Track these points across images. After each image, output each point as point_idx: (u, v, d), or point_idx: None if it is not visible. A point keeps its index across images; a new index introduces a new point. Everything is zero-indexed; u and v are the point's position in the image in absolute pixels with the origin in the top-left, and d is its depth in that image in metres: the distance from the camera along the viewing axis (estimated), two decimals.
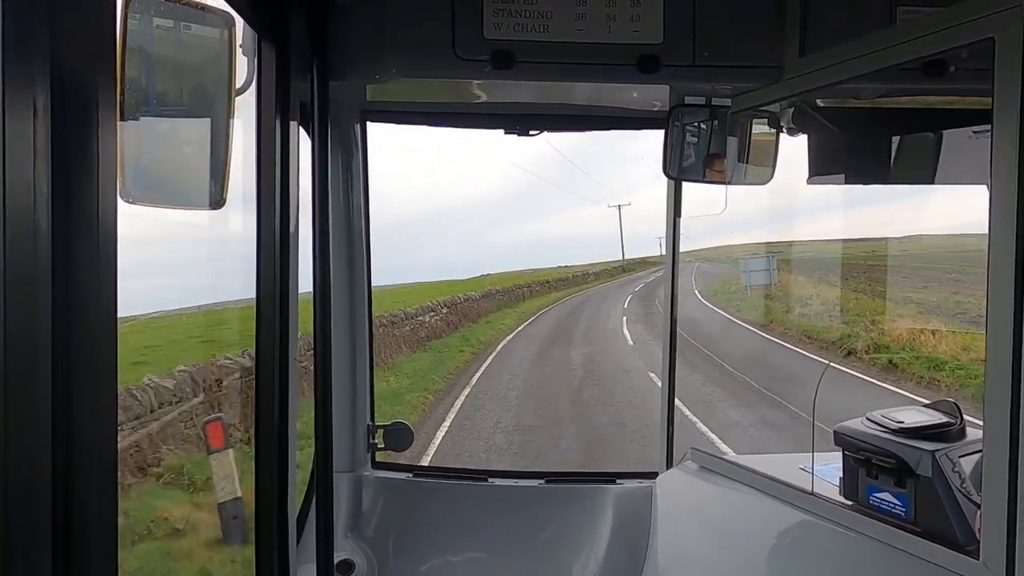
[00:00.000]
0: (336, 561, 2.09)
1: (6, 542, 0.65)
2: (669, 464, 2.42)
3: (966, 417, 1.73)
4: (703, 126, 2.09)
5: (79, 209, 0.72)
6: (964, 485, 1.60)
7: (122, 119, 1.00)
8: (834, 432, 1.83)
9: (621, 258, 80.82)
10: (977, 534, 1.45)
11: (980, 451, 1.48)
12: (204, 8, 1.25)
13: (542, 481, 2.39)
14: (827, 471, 1.90)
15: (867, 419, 1.81)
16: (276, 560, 1.54)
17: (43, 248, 0.68)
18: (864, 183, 2.28)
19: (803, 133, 2.14)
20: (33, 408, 0.68)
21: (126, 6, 1.09)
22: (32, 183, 0.66)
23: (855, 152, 2.19)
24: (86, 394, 0.74)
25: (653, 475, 2.39)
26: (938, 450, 1.63)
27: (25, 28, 0.65)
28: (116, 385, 0.79)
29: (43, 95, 0.67)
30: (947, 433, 1.70)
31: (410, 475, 2.43)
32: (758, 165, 2.16)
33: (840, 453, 1.83)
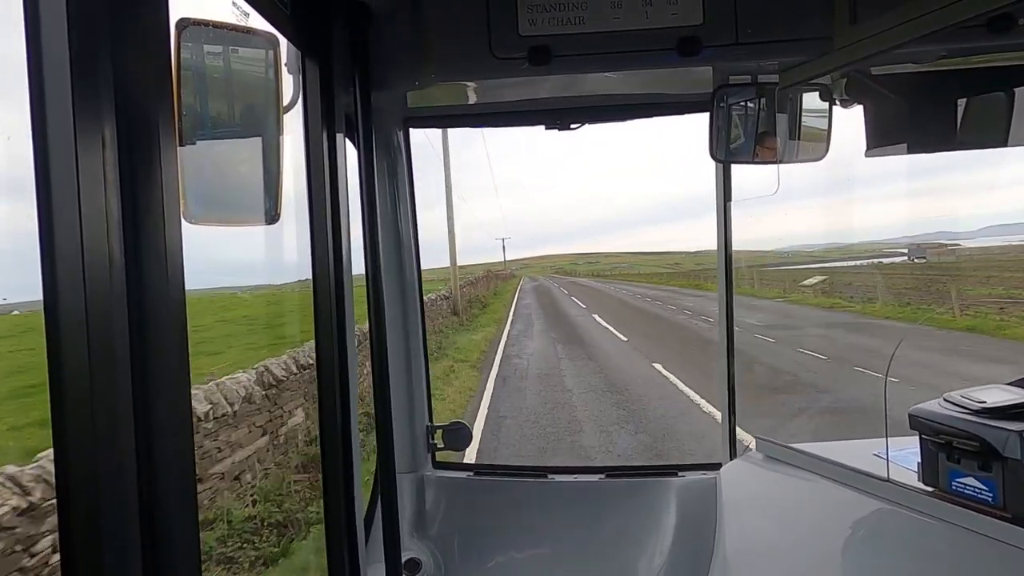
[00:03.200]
0: (403, 560, 2.13)
1: (99, 531, 0.71)
2: (732, 455, 2.36)
3: None
4: (750, 105, 2.02)
5: (148, 232, 0.76)
6: None
7: (181, 144, 1.05)
8: (909, 415, 1.74)
9: (450, 266, 28.85)
10: None
11: None
12: (250, 31, 1.30)
13: (602, 476, 2.37)
14: (903, 457, 1.81)
15: (945, 400, 1.71)
16: (347, 561, 1.58)
17: (118, 271, 0.72)
18: (929, 151, 2.15)
19: (858, 104, 2.03)
20: (116, 420, 0.72)
21: (179, 36, 1.14)
22: (104, 211, 0.71)
23: (917, 119, 2.06)
24: (164, 406, 0.78)
25: (717, 466, 2.34)
26: None
27: (90, 68, 0.69)
28: (190, 396, 0.84)
29: (109, 128, 0.72)
30: None
31: (471, 474, 2.46)
32: (811, 140, 2.07)
33: (916, 438, 1.74)
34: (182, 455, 0.81)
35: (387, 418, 1.75)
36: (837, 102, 2.02)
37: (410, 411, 2.40)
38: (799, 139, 2.05)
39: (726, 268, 2.37)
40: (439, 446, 2.47)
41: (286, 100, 1.46)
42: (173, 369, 0.80)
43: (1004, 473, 1.54)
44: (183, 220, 0.85)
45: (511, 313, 32.11)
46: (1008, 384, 1.72)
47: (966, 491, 1.61)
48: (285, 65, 1.46)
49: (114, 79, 0.72)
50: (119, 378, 0.73)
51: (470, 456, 8.31)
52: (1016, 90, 1.90)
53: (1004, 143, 1.94)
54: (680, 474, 2.33)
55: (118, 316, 0.73)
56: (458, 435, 2.47)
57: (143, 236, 0.76)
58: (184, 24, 1.16)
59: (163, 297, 0.78)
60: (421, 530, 2.36)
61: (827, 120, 2.04)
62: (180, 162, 0.84)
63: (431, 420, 2.48)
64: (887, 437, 1.86)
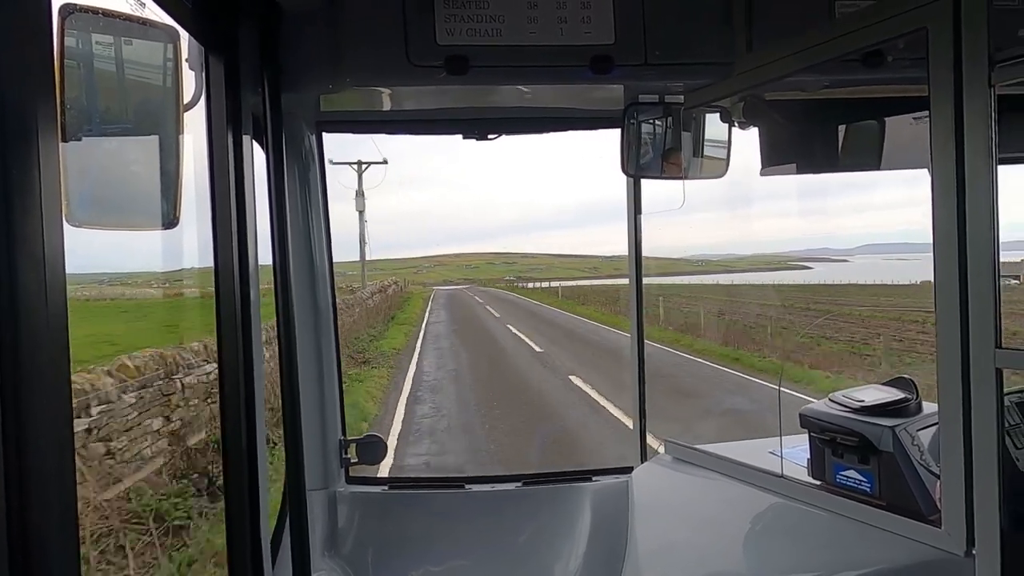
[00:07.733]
0: None
1: None
2: (643, 458, 2.45)
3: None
4: (658, 123, 2.13)
5: (23, 237, 0.69)
6: (924, 458, 1.67)
7: (64, 141, 0.96)
8: (799, 415, 1.89)
9: None
10: (938, 504, 1.51)
11: (936, 424, 1.54)
12: (146, 23, 1.21)
13: (519, 484, 2.39)
14: (795, 453, 1.95)
15: (830, 400, 1.87)
16: None
17: None
18: (815, 172, 2.36)
19: (754, 126, 2.20)
20: None
21: (63, 23, 1.05)
22: None
23: (805, 143, 2.26)
24: (40, 426, 0.71)
25: (628, 470, 2.42)
26: (897, 425, 1.70)
27: None
28: (71, 415, 0.76)
29: None
30: (905, 408, 1.77)
31: (386, 488, 2.40)
32: (713, 159, 2.21)
33: (807, 435, 1.88)
34: (61, 478, 0.73)
35: (297, 432, 1.68)
36: (736, 124, 2.18)
37: (322, 424, 2.31)
38: (703, 157, 2.18)
39: (636, 279, 2.47)
40: (353, 460, 2.39)
41: (187, 98, 1.37)
42: (50, 385, 0.72)
43: (880, 466, 1.70)
44: (66, 223, 0.78)
45: None
46: (883, 384, 1.91)
47: (848, 483, 1.76)
48: (187, 60, 1.37)
49: None
50: None
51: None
52: (887, 119, 2.13)
53: (878, 167, 2.17)
54: (594, 479, 2.39)
55: None
56: (373, 448, 2.40)
57: (18, 240, 0.68)
58: (69, 10, 1.06)
59: (40, 306, 0.71)
60: (333, 548, 2.27)
61: (727, 141, 2.19)
62: (63, 160, 0.76)
63: (344, 433, 2.39)
64: (780, 436, 2.01)
